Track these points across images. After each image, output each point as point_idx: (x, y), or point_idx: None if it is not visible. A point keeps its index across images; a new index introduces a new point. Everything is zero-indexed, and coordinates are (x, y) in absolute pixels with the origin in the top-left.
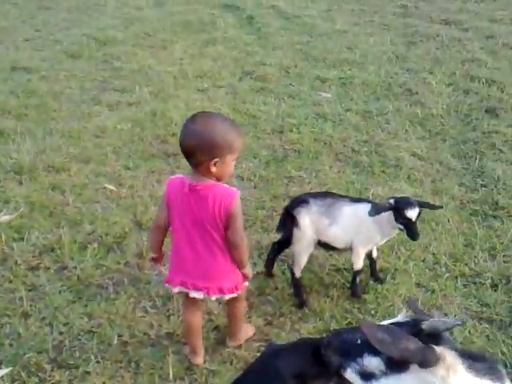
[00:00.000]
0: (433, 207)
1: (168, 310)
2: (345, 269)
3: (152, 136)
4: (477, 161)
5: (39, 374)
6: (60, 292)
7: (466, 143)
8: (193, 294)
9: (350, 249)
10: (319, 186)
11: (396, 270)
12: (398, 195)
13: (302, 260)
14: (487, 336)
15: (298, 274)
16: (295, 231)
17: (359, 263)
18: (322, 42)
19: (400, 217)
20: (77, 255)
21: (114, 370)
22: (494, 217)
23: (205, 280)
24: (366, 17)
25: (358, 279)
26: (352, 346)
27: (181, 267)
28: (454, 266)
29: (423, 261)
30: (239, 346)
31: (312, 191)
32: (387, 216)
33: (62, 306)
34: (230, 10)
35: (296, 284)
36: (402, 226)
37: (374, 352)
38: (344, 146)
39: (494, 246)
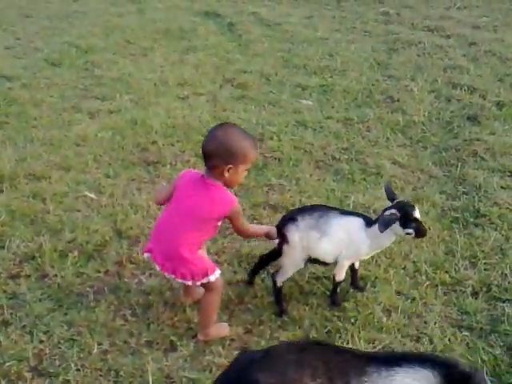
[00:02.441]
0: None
1: (148, 319)
2: (324, 277)
3: (132, 144)
4: (458, 168)
5: (19, 383)
6: (40, 300)
7: (447, 151)
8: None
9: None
10: (299, 194)
11: (376, 278)
12: (388, 204)
13: (288, 273)
14: (467, 344)
15: (279, 284)
16: (285, 247)
17: (342, 275)
18: (302, 49)
19: (409, 221)
20: (57, 263)
21: (94, 378)
22: (475, 225)
23: (163, 257)
24: (347, 23)
25: (338, 289)
26: None
27: (153, 235)
28: (435, 273)
29: (403, 269)
30: (219, 354)
31: (300, 206)
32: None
33: (42, 315)
34: (211, 17)
35: (277, 293)
36: (410, 230)
37: None
38: (324, 153)
39: (474, 254)
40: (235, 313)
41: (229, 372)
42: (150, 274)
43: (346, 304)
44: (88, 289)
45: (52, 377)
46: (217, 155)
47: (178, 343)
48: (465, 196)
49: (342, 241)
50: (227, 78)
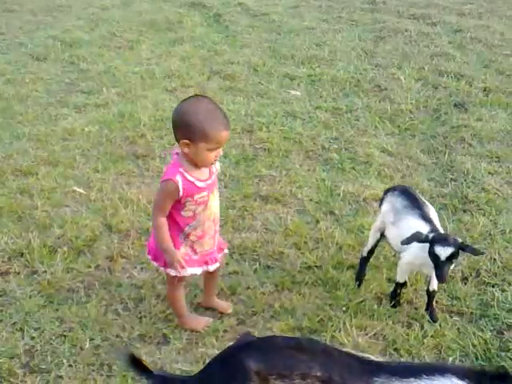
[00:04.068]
0: (475, 252)
1: (140, 312)
2: (316, 266)
3: (120, 138)
4: (446, 155)
5: (11, 380)
6: (30, 297)
7: (435, 138)
8: None
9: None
10: (290, 185)
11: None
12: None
13: (369, 241)
14: (458, 329)
15: (364, 254)
16: (378, 213)
17: (399, 276)
18: (290, 40)
19: (431, 252)
20: (47, 259)
21: (87, 374)
22: (464, 211)
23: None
24: (333, 13)
25: (398, 291)
26: None
27: None
28: None
29: (394, 256)
30: (212, 346)
31: (410, 187)
32: (423, 247)
33: (32, 311)
34: (197, 8)
35: (360, 261)
36: (432, 263)
37: None
38: (314, 143)
39: (463, 240)
40: None
41: (224, 351)
42: (142, 268)
43: (337, 292)
44: (79, 284)
45: (44, 373)
46: (176, 126)
47: (171, 336)
48: (453, 182)
49: (402, 237)
50: (215, 69)
